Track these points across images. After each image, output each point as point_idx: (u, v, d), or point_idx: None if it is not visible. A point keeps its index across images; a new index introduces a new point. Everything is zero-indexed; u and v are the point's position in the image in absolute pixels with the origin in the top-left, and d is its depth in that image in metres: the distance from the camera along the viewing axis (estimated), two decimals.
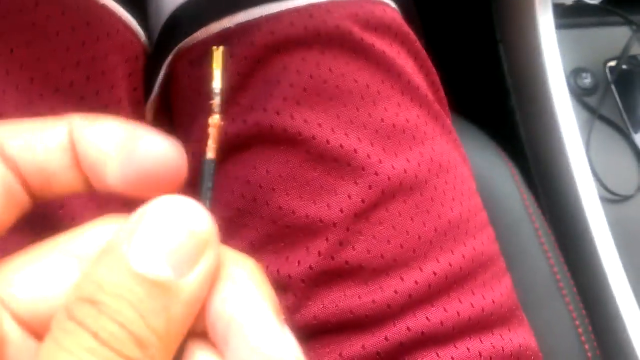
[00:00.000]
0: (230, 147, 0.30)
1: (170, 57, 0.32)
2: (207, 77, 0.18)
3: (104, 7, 0.29)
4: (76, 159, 0.17)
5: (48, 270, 0.16)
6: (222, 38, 0.31)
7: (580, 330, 0.46)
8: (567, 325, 0.45)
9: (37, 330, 0.16)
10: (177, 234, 0.15)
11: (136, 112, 0.31)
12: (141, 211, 0.15)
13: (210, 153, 0.18)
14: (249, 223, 0.30)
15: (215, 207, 0.31)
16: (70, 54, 0.28)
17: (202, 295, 0.15)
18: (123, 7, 0.30)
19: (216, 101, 0.19)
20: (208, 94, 0.19)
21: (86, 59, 0.28)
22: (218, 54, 0.19)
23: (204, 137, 0.18)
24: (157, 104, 0.33)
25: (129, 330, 0.14)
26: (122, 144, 0.16)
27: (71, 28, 0.27)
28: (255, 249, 0.30)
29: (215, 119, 0.18)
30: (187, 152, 0.33)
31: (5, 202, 0.16)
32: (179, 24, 0.32)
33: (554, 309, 0.46)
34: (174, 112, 0.33)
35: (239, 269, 0.16)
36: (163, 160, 0.16)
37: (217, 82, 0.19)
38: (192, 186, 0.34)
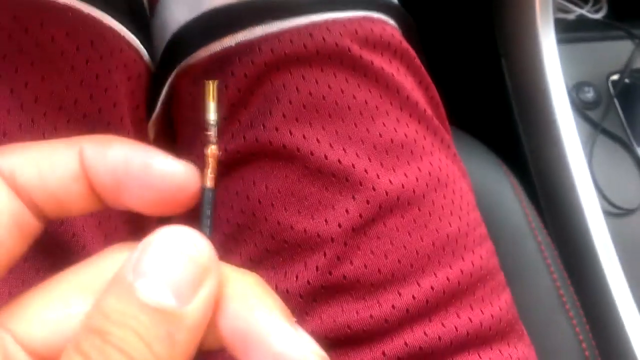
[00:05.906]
0: (231, 163, 0.31)
1: (173, 75, 0.32)
2: (202, 109, 0.19)
3: (108, 28, 0.30)
4: (89, 185, 0.17)
5: (62, 305, 0.16)
6: (223, 56, 0.31)
7: (584, 345, 0.45)
8: (571, 340, 0.45)
9: None
10: (179, 263, 0.15)
11: (138, 130, 0.32)
12: (146, 242, 0.16)
13: (209, 182, 0.19)
14: (248, 238, 0.30)
15: (216, 222, 0.31)
16: (74, 73, 0.28)
17: (205, 320, 0.16)
18: (127, 28, 0.31)
19: (212, 133, 0.19)
20: (203, 124, 0.19)
21: (90, 77, 0.29)
22: (211, 87, 0.20)
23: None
24: (159, 122, 0.34)
25: (133, 358, 0.14)
26: (136, 169, 0.17)
27: (76, 48, 0.28)
28: (254, 264, 0.30)
29: (212, 150, 0.19)
30: None
31: (19, 235, 0.16)
32: (182, 43, 0.32)
33: (557, 324, 0.46)
34: (177, 129, 0.34)
35: (242, 285, 0.17)
36: (177, 181, 0.17)
37: (211, 115, 0.20)
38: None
